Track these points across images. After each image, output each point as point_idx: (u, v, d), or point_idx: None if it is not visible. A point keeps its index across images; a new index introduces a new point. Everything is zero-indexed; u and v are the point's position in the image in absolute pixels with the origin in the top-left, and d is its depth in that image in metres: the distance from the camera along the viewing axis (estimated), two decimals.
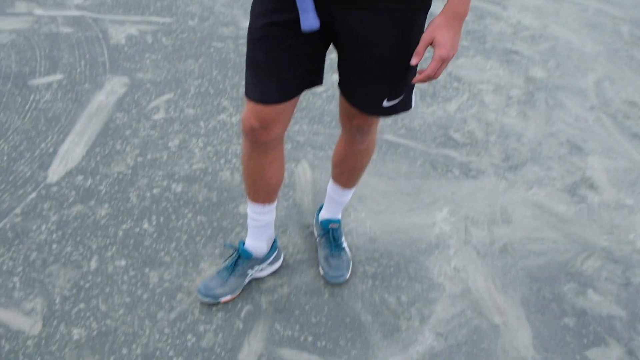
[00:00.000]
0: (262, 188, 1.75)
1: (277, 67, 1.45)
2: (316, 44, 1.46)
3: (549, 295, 2.12)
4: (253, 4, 1.46)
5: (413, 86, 1.56)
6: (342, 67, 1.53)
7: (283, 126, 1.58)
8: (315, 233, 2.20)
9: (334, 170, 1.94)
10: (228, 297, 1.94)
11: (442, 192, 2.51)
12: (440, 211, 2.42)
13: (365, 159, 1.85)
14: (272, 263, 2.03)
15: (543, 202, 2.54)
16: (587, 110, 3.23)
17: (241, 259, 1.94)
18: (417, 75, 1.41)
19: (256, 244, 1.92)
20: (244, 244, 1.94)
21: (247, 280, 1.98)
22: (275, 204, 1.85)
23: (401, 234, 2.29)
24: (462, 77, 3.35)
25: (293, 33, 1.40)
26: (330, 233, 2.07)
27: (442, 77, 3.31)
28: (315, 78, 1.55)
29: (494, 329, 1.97)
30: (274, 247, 2.00)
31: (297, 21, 1.35)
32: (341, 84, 1.58)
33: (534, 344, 1.95)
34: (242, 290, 1.98)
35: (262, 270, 2.01)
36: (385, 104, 1.52)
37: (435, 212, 2.41)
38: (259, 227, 1.89)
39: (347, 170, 1.89)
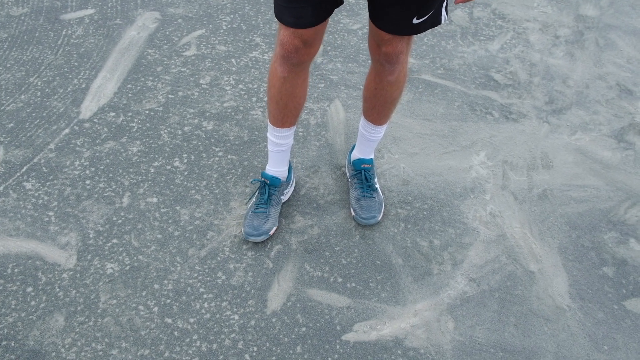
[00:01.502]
0: (292, 110, 1.75)
1: None
2: None
3: (589, 243, 2.04)
4: None
5: (444, 0, 1.49)
6: None
7: (320, 42, 1.58)
8: (347, 174, 2.15)
9: (365, 105, 1.87)
10: (274, 229, 1.96)
11: (480, 135, 2.42)
12: (478, 155, 2.33)
13: (396, 92, 1.76)
14: (292, 184, 2.08)
15: (587, 148, 2.42)
16: None
17: (272, 188, 1.95)
18: None
19: (279, 169, 1.94)
20: (268, 173, 1.95)
21: (280, 208, 2.01)
22: (295, 128, 1.86)
23: (436, 177, 2.22)
24: (506, 15, 3.16)
25: None
26: (363, 173, 2.02)
27: (485, 14, 3.14)
28: None
29: (529, 275, 1.92)
30: (290, 168, 2.03)
31: None
32: (371, 9, 1.52)
33: (570, 292, 1.89)
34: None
35: (287, 192, 2.05)
36: (415, 21, 1.46)
37: (472, 155, 2.33)
38: (282, 152, 1.90)
39: (378, 105, 1.81)
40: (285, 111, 1.74)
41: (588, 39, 3.06)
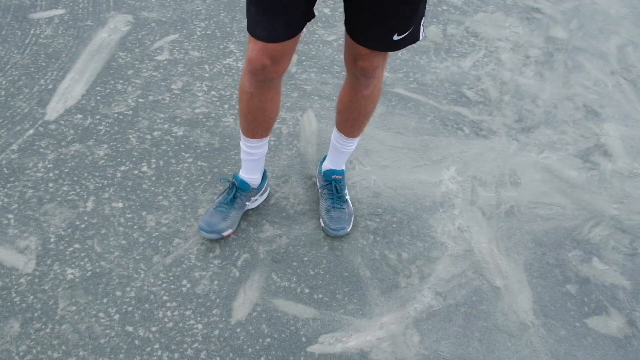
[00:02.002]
0: (262, 124, 1.74)
1: (283, 6, 1.39)
2: None
3: (553, 260, 2.08)
4: None
5: (422, 17, 1.51)
6: (350, 5, 1.47)
7: (290, 59, 1.56)
8: (318, 184, 2.15)
9: (338, 117, 1.88)
10: (230, 231, 1.94)
11: (450, 150, 2.45)
12: (448, 169, 2.36)
13: (370, 106, 1.78)
14: (263, 192, 2.07)
15: (554, 167, 2.47)
16: (607, 75, 3.11)
17: (239, 191, 1.94)
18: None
19: (252, 176, 1.94)
20: (238, 177, 1.94)
21: (242, 213, 2.00)
22: (268, 138, 1.85)
23: (406, 190, 2.24)
24: (479, 33, 3.23)
25: None
26: (333, 184, 2.02)
27: (459, 31, 3.19)
28: (312, 11, 1.50)
29: (495, 291, 1.94)
30: (264, 176, 2.02)
31: None
32: (349, 23, 1.52)
33: (534, 308, 1.92)
34: (239, 237, 1.96)
35: (256, 200, 2.04)
36: (396, 37, 1.48)
37: (442, 170, 2.35)
38: (254, 161, 1.89)
39: (351, 118, 1.82)
40: (255, 124, 1.73)
41: (557, 60, 3.14)
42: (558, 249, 2.13)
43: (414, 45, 1.58)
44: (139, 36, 2.75)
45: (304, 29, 1.54)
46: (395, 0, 1.40)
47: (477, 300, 1.90)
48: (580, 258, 2.11)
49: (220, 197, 1.98)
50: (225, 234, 1.93)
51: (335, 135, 1.95)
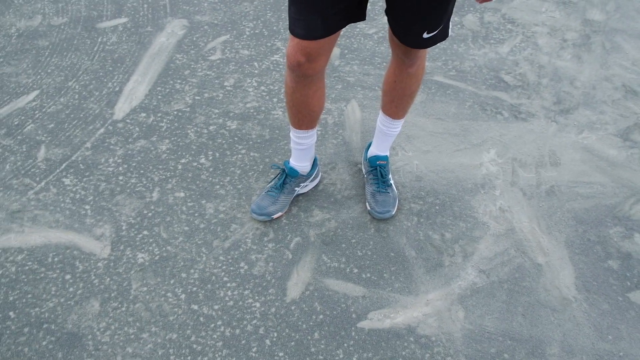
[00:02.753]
0: (306, 117, 1.73)
1: (319, 5, 1.37)
2: None
3: (594, 237, 2.00)
4: None
5: (450, 15, 1.49)
6: (389, 8, 1.47)
7: (326, 58, 1.53)
8: (363, 170, 2.14)
9: (384, 99, 1.85)
10: (279, 214, 1.96)
11: (490, 134, 2.38)
12: (488, 152, 2.29)
13: (414, 85, 1.75)
14: (313, 179, 2.06)
15: (593, 146, 2.37)
16: None
17: (289, 177, 1.96)
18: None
19: (301, 164, 1.94)
20: (289, 163, 1.95)
21: (293, 197, 2.01)
22: (316, 129, 1.84)
23: (447, 174, 2.19)
24: (515, 19, 3.11)
25: None
26: (378, 169, 2.00)
27: (495, 18, 3.09)
28: (358, 12, 1.47)
29: (537, 268, 1.89)
30: (315, 164, 2.02)
31: None
32: (388, 15, 1.51)
33: (576, 284, 1.85)
34: (291, 221, 1.97)
35: (305, 186, 2.04)
36: (425, 35, 1.46)
37: (482, 153, 2.29)
38: (302, 150, 1.89)
39: (396, 98, 1.79)
40: (300, 116, 1.73)
41: (595, 42, 3.00)
42: (599, 226, 2.04)
43: (452, 33, 1.55)
44: (194, 38, 2.79)
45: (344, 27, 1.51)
46: (429, 2, 1.38)
47: (519, 277, 1.85)
48: (622, 234, 2.02)
49: (272, 183, 2.00)
50: (275, 216, 1.95)
51: (380, 118, 1.93)
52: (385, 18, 2.97)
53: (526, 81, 2.68)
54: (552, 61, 2.83)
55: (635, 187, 2.20)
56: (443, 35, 1.51)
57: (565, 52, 2.90)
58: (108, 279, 1.78)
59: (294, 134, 1.83)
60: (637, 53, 2.94)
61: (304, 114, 1.71)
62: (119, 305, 1.72)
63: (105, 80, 2.51)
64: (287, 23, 2.94)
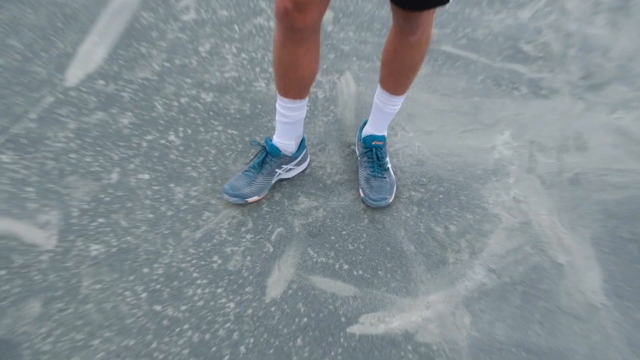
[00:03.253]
0: (294, 82, 1.69)
1: None
2: None
3: (628, 235, 1.97)
4: None
5: None
6: None
7: (319, 11, 1.48)
8: (357, 152, 2.10)
9: (382, 71, 1.81)
10: (255, 198, 1.94)
11: (505, 113, 2.34)
12: (502, 134, 2.26)
13: (417, 56, 1.70)
14: (299, 163, 2.02)
15: (628, 128, 2.33)
16: None
17: (269, 156, 1.93)
18: None
19: (285, 142, 1.91)
20: (271, 140, 1.92)
21: (274, 180, 1.98)
22: (306, 100, 1.79)
23: (454, 158, 2.15)
24: None
25: None
26: (374, 151, 1.97)
27: None
28: None
29: (557, 268, 1.86)
30: (302, 146, 1.97)
31: None
32: None
33: (604, 288, 1.82)
34: (273, 209, 1.93)
35: (289, 170, 2.00)
36: None
37: (495, 134, 2.25)
38: (288, 124, 1.85)
39: (395, 70, 1.75)
40: (287, 80, 1.69)
41: (634, 5, 2.95)
42: (633, 221, 2.01)
43: (443, 5, 1.52)
44: None
45: None
46: None
47: (536, 278, 1.82)
48: None
49: (251, 161, 1.97)
50: (249, 199, 1.93)
51: (378, 93, 1.89)
52: None
53: (549, 52, 2.64)
54: (581, 28, 2.78)
55: None
56: None
57: (598, 18, 2.85)
58: (53, 274, 1.73)
59: (279, 104, 1.79)
60: None
61: (292, 78, 1.67)
62: (66, 306, 1.67)
63: (53, 39, 2.44)
64: None
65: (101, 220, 1.87)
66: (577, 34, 2.75)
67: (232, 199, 1.91)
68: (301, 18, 1.45)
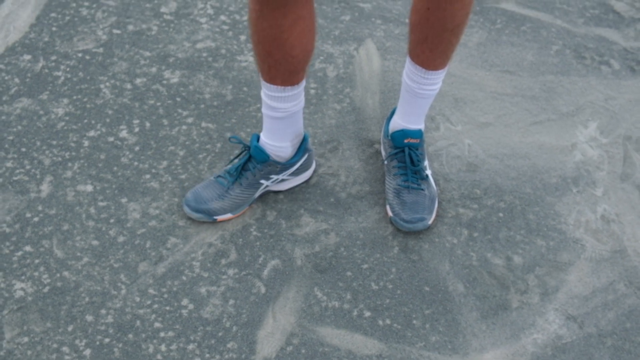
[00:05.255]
0: (281, 63, 1.72)
1: None
2: None
3: None
4: None
5: None
6: None
7: None
8: (383, 153, 2.15)
9: (413, 38, 1.85)
10: (228, 216, 1.99)
11: (589, 97, 2.39)
12: (585, 127, 2.31)
13: (460, 13, 1.73)
14: (298, 172, 2.06)
15: None
16: None
17: (252, 161, 1.96)
18: None
19: (275, 143, 1.94)
20: (258, 139, 1.96)
21: (258, 194, 2.02)
22: (302, 85, 1.83)
23: (519, 161, 2.21)
24: None
25: None
26: (407, 153, 2.02)
27: None
28: None
29: None
30: (302, 148, 2.01)
31: None
32: None
33: None
34: (252, 211, 1.98)
35: (282, 181, 2.04)
36: None
37: (576, 127, 2.31)
38: (278, 120, 1.88)
39: (431, 34, 1.78)
40: (270, 62, 1.72)
41: None
42: None
43: None
44: None
45: None
46: None
47: (632, 328, 1.87)
48: None
49: (228, 164, 2.03)
50: (219, 218, 1.98)
51: (408, 70, 1.93)
52: None
53: None
54: None
55: None
56: None
57: None
58: None
59: (264, 92, 1.83)
60: None
61: (277, 58, 1.71)
62: None
63: None
64: None
65: (28, 248, 1.93)
66: None
67: (195, 215, 1.97)
68: None
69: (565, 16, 2.65)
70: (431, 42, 1.80)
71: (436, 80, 1.91)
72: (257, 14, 1.62)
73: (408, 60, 1.91)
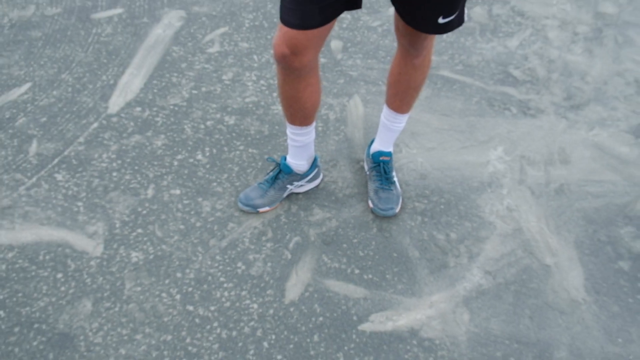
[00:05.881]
0: (298, 112, 1.71)
1: None
2: None
3: (605, 238, 1.99)
4: None
5: (465, 0, 1.47)
6: None
7: (315, 52, 1.49)
8: (366, 167, 2.13)
9: (388, 92, 1.84)
10: (266, 209, 1.98)
11: (497, 131, 2.37)
12: (495, 150, 2.29)
13: (420, 77, 1.74)
14: (311, 180, 2.04)
15: (604, 144, 2.36)
16: None
17: (282, 173, 1.96)
18: None
19: (297, 162, 1.93)
20: (285, 159, 1.94)
21: (285, 194, 2.01)
22: (313, 125, 1.81)
23: (453, 172, 2.18)
24: (525, 12, 3.10)
25: None
26: (382, 166, 2.00)
27: (504, 11, 3.07)
28: (349, 2, 1.44)
29: (545, 269, 1.88)
30: (314, 165, 2.00)
31: None
32: (396, 3, 1.48)
33: (585, 285, 1.84)
34: (282, 205, 1.99)
35: (301, 186, 2.03)
36: (441, 20, 1.44)
37: (489, 150, 2.28)
38: (298, 147, 1.88)
39: (401, 91, 1.78)
40: (292, 111, 1.71)
41: (607, 35, 2.98)
42: (610, 226, 2.03)
43: (459, 27, 1.54)
44: (191, 30, 2.78)
45: (348, 17, 1.49)
46: None
47: (527, 279, 1.85)
48: (633, 235, 2.01)
49: (266, 175, 2.01)
50: (261, 210, 1.97)
51: (385, 112, 1.92)
52: (390, 10, 2.96)
53: (535, 76, 2.67)
54: (562, 55, 2.81)
55: None
56: (459, 21, 1.49)
57: (576, 46, 2.88)
58: (101, 278, 1.78)
59: (289, 129, 1.83)
60: None
61: (296, 109, 1.70)
62: (112, 306, 1.71)
63: (99, 73, 2.51)
64: None
65: (140, 230, 1.92)
66: (559, 60, 2.78)
67: (245, 208, 1.96)
68: (298, 60, 1.47)
69: (481, 79, 2.63)
70: (401, 96, 1.80)
71: (403, 120, 1.90)
72: (282, 82, 1.61)
73: (385, 106, 1.90)
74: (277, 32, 1.46)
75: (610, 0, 3.29)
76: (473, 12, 3.05)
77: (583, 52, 2.85)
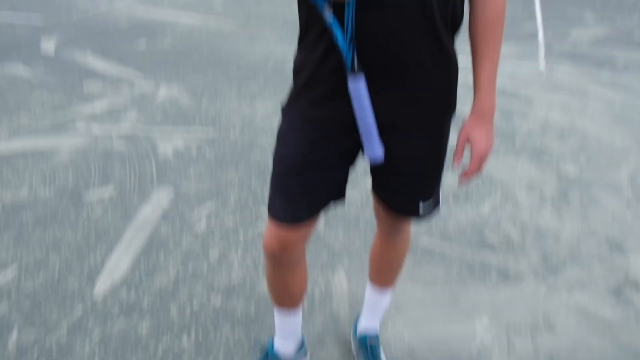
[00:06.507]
0: (286, 298, 1.72)
1: (309, 189, 1.43)
2: (347, 162, 1.49)
3: None
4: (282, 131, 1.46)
5: (440, 186, 1.58)
6: (376, 175, 1.54)
7: (303, 244, 1.55)
8: (353, 348, 2.08)
9: (372, 268, 1.88)
10: None
11: (480, 299, 2.38)
12: (480, 320, 2.27)
13: (401, 256, 1.81)
14: None
15: (587, 307, 2.36)
16: (624, 206, 3.08)
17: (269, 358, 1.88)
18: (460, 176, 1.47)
19: (285, 342, 1.86)
20: (273, 345, 1.88)
21: None
22: (300, 306, 1.79)
23: (441, 346, 2.14)
24: (493, 177, 3.28)
25: (326, 154, 1.42)
26: (369, 350, 1.95)
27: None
28: (342, 191, 1.54)
29: None
30: (301, 351, 1.92)
31: (334, 143, 1.39)
32: (376, 189, 1.58)
33: None
34: None
35: None
36: (421, 205, 1.52)
37: (475, 320, 2.27)
38: (285, 329, 1.84)
39: (385, 269, 1.83)
40: (279, 297, 1.72)
41: (572, 196, 3.14)
42: None
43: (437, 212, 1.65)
44: (179, 208, 2.87)
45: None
46: (417, 172, 1.47)
47: None
48: None
49: None
50: None
51: (369, 289, 1.94)
52: (367, 181, 3.10)
53: (510, 241, 2.75)
54: (533, 218, 2.93)
55: (637, 351, 2.15)
56: (436, 205, 1.59)
57: (545, 209, 3.02)
58: None
59: (276, 311, 1.81)
60: (615, 205, 3.07)
61: (284, 295, 1.71)
62: None
63: (88, 254, 2.53)
64: None
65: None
66: (531, 223, 2.89)
67: None
68: (287, 255, 1.51)
69: (460, 246, 2.69)
70: (384, 273, 1.87)
71: (387, 294, 1.93)
72: (270, 273, 1.65)
73: (369, 283, 1.94)
74: (266, 226, 1.51)
75: (570, 161, 3.52)
76: (444, 181, 3.21)
77: (552, 214, 2.97)
